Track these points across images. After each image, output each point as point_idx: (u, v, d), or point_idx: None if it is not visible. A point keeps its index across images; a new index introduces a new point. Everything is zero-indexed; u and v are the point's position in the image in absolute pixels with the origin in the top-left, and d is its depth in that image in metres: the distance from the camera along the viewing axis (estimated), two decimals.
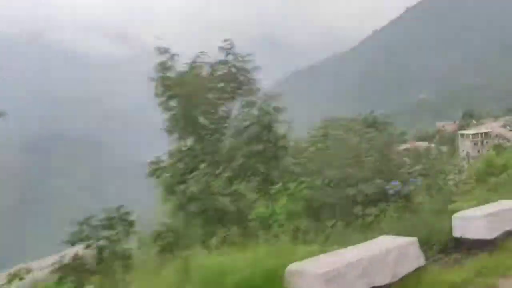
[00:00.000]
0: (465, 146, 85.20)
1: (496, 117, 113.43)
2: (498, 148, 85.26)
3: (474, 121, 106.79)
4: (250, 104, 16.47)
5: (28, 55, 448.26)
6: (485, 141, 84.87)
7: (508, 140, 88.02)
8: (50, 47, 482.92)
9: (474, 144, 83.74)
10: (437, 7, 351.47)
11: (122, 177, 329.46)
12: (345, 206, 11.41)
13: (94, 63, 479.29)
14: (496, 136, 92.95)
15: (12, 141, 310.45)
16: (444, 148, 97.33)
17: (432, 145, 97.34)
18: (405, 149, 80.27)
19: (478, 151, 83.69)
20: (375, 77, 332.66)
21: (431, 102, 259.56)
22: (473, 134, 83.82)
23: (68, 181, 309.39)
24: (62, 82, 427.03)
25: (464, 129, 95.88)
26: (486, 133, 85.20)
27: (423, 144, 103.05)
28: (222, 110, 16.97)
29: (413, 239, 5.56)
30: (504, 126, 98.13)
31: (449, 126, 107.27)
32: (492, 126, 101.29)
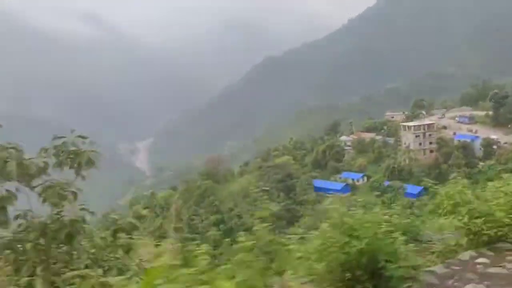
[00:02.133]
0: (407, 138, 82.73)
1: (448, 108, 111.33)
2: (440, 141, 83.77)
3: (423, 112, 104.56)
4: None
5: None
6: (427, 133, 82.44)
7: (454, 133, 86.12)
8: (16, 26, 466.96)
9: (416, 136, 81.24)
10: None
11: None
12: None
13: (61, 44, 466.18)
14: (444, 127, 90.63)
15: None
16: (392, 140, 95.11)
17: (378, 137, 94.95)
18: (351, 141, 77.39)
19: (420, 144, 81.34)
20: (349, 65, 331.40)
21: (401, 91, 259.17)
22: (415, 126, 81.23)
23: None
24: (28, 62, 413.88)
25: (412, 120, 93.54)
26: (429, 125, 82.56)
27: (368, 135, 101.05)
28: None
29: None
30: (453, 118, 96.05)
31: (398, 117, 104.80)
32: (443, 116, 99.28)
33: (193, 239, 75.39)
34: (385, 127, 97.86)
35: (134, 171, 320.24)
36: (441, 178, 78.42)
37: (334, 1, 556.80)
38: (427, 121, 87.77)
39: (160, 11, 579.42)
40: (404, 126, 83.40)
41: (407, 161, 76.48)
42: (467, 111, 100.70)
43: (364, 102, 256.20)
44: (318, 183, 78.25)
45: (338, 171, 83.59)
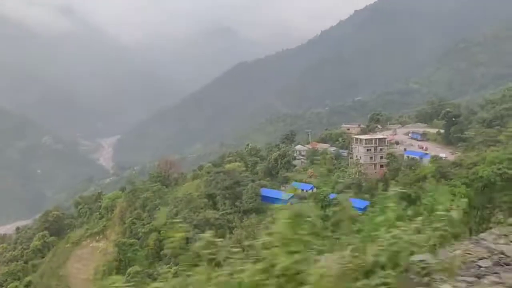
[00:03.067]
0: (358, 152, 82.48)
1: (403, 123, 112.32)
2: (390, 157, 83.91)
3: (378, 126, 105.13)
4: None
5: None
6: (379, 148, 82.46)
7: (405, 149, 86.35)
8: None
9: (367, 150, 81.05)
10: (385, 11, 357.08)
11: (50, 156, 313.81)
12: None
13: (34, 34, 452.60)
14: (396, 143, 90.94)
15: None
16: (345, 152, 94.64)
17: (332, 148, 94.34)
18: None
19: (371, 158, 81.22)
20: (319, 75, 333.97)
21: (368, 104, 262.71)
22: (366, 140, 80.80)
23: None
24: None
25: (367, 133, 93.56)
26: (380, 140, 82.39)
27: (323, 146, 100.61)
28: None
29: None
30: (407, 133, 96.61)
31: (354, 129, 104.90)
32: (395, 132, 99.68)
33: (132, 244, 71.36)
34: (340, 139, 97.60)
35: (97, 168, 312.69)
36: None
37: (308, 12, 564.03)
38: (379, 135, 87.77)
39: (137, 10, 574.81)
40: (356, 139, 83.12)
41: (356, 175, 76.08)
42: (421, 128, 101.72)
43: (331, 112, 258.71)
44: (266, 192, 76.58)
45: (288, 180, 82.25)
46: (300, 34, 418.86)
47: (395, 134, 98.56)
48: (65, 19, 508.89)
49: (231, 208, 70.73)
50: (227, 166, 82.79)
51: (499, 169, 37.24)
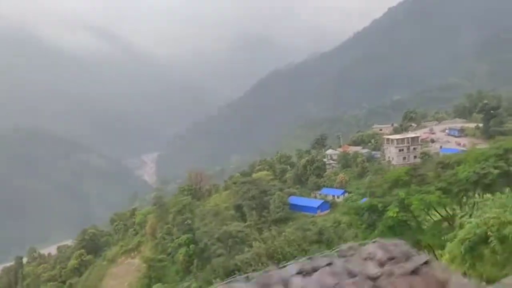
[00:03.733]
0: (390, 152, 78.13)
1: (440, 120, 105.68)
2: (424, 156, 79.08)
3: (412, 124, 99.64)
4: None
5: (11, 49, 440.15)
6: (412, 147, 77.75)
7: (441, 147, 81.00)
8: (32, 42, 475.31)
9: (400, 150, 76.64)
10: (418, 6, 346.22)
11: (98, 177, 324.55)
12: None
13: (72, 57, 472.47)
14: (432, 141, 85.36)
15: None
16: (378, 154, 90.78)
17: (364, 150, 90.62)
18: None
19: (404, 158, 76.70)
20: (355, 77, 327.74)
21: (407, 103, 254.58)
22: (397, 139, 76.33)
23: (45, 180, 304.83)
24: (38, 76, 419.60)
25: (400, 133, 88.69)
26: (413, 138, 77.59)
27: (355, 149, 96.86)
28: None
29: None
30: (443, 130, 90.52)
31: (387, 129, 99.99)
32: (432, 130, 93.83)
33: (161, 260, 70.95)
34: (372, 140, 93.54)
35: (142, 184, 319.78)
36: None
37: (340, 14, 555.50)
38: (411, 134, 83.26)
39: (169, 24, 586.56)
40: (387, 139, 78.97)
41: None
42: (459, 123, 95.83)
43: (369, 114, 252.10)
44: (295, 200, 74.41)
45: (318, 187, 79.66)
46: (334, 37, 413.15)
47: (433, 133, 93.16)
48: (105, 41, 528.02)
49: (258, 219, 68.97)
50: (255, 175, 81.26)
51: (483, 168, 29.57)
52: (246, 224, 66.20)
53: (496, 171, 28.99)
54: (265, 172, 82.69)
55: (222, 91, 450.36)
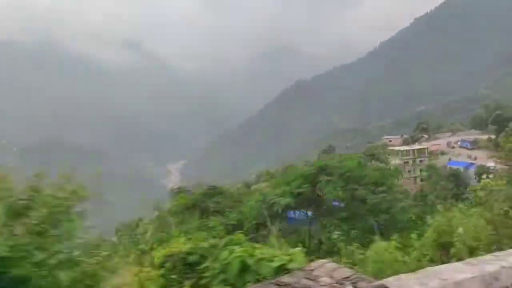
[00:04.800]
0: (395, 165, 74.75)
1: (454, 131, 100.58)
2: (430, 169, 75.05)
3: (425, 136, 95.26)
4: None
5: (39, 62, 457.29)
6: (418, 160, 73.94)
7: (449, 159, 76.65)
8: (58, 54, 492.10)
9: (405, 162, 73.04)
10: (444, 16, 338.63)
11: (122, 186, 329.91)
12: None
13: (103, 72, 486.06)
14: (442, 153, 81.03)
15: (14, 144, 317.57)
16: (386, 166, 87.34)
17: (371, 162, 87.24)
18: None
19: (409, 171, 73.04)
20: (380, 88, 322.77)
21: (433, 114, 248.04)
22: (402, 151, 72.69)
23: None
24: (69, 89, 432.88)
25: (410, 144, 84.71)
26: (420, 150, 73.78)
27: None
28: None
29: None
30: (455, 142, 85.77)
31: (397, 141, 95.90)
32: (445, 141, 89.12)
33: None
34: (381, 152, 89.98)
35: (166, 194, 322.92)
36: (427, 211, 70.13)
37: (365, 24, 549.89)
38: (417, 146, 79.51)
39: (195, 37, 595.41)
40: (392, 150, 75.55)
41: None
42: (474, 135, 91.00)
43: (394, 125, 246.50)
44: (291, 213, 72.00)
45: None
46: (359, 47, 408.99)
47: (452, 146, 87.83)
48: (130, 53, 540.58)
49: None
50: (254, 187, 79.26)
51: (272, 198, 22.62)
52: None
53: (285, 201, 22.19)
54: (264, 184, 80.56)
55: (246, 102, 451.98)
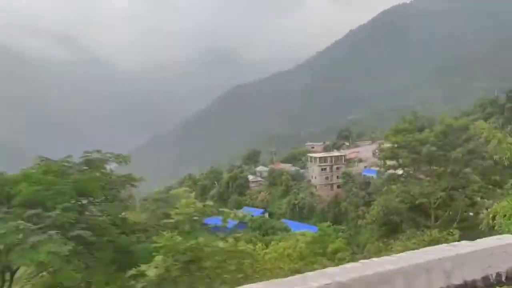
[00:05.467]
0: (313, 171, 75.58)
1: (374, 139, 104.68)
2: (345, 176, 76.94)
3: (346, 143, 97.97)
4: None
5: None
6: (335, 167, 75.39)
7: (365, 167, 78.93)
8: None
9: (322, 169, 74.15)
10: (380, 30, 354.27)
11: None
12: None
13: (32, 63, 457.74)
14: (360, 160, 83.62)
15: None
16: (307, 172, 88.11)
17: (293, 168, 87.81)
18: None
19: (327, 178, 74.17)
20: (316, 95, 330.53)
21: (363, 122, 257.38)
22: (320, 158, 73.85)
23: None
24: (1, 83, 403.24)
25: (331, 151, 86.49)
26: (337, 157, 75.39)
27: (286, 166, 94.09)
28: None
29: None
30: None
31: (318, 147, 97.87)
32: (365, 149, 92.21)
33: None
34: (303, 158, 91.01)
35: None
36: (341, 218, 70.81)
37: (303, 33, 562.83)
38: (336, 153, 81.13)
39: (133, 35, 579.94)
40: (311, 157, 76.39)
41: (308, 197, 69.52)
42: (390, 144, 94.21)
43: (326, 132, 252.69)
44: (208, 220, 70.05)
45: (240, 205, 75.80)
46: (296, 55, 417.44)
47: (369, 149, 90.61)
48: (64, 48, 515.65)
49: None
50: (172, 192, 76.69)
51: None
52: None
53: None
54: (183, 189, 78.05)
55: (182, 105, 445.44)
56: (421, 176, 43.49)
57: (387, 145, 52.06)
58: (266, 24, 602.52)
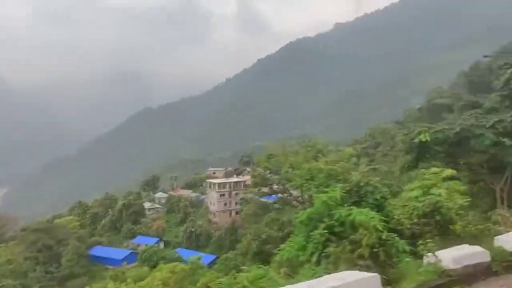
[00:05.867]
0: (212, 197, 74.54)
1: None
2: (243, 202, 76.99)
3: (248, 169, 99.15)
4: None
5: None
6: (234, 192, 75.15)
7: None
8: None
9: (221, 195, 73.43)
10: (285, 60, 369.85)
11: None
12: None
13: None
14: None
15: None
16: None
17: (193, 194, 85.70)
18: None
19: (225, 204, 73.39)
20: (223, 122, 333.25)
21: (267, 149, 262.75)
22: (219, 184, 73.25)
23: None
24: None
25: (231, 177, 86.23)
26: (236, 183, 75.42)
27: (186, 192, 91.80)
28: None
29: None
30: None
31: (220, 173, 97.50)
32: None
33: None
34: (203, 184, 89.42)
35: None
36: (237, 245, 69.76)
37: (213, 59, 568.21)
38: (235, 178, 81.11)
39: (34, 53, 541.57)
40: (210, 183, 75.32)
41: (205, 224, 67.77)
42: None
43: (232, 157, 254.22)
44: (98, 250, 65.05)
45: (133, 234, 71.61)
46: (207, 80, 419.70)
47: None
48: None
49: (43, 276, 57.56)
50: (58, 221, 70.11)
51: None
52: (19, 282, 54.32)
53: None
54: (70, 218, 71.94)
55: (87, 127, 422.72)
56: (294, 203, 43.50)
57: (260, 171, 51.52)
58: (177, 49, 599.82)
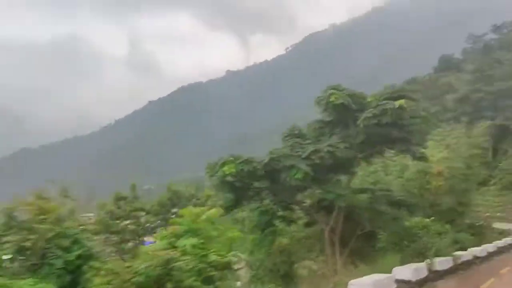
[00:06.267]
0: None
1: None
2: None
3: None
4: None
5: None
6: None
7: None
8: None
9: None
10: (178, 103, 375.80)
11: None
12: None
13: None
14: None
15: None
16: None
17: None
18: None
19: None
20: (112, 163, 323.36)
21: (155, 192, 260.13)
22: None
23: None
24: None
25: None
26: None
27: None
28: None
29: None
30: None
31: (91, 220, 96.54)
32: None
33: None
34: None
35: None
36: None
37: (102, 99, 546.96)
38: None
39: None
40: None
41: None
42: None
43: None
44: None
45: None
46: (94, 121, 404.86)
47: None
48: None
49: None
50: None
51: None
52: None
53: None
54: None
55: None
56: None
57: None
58: (62, 88, 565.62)
